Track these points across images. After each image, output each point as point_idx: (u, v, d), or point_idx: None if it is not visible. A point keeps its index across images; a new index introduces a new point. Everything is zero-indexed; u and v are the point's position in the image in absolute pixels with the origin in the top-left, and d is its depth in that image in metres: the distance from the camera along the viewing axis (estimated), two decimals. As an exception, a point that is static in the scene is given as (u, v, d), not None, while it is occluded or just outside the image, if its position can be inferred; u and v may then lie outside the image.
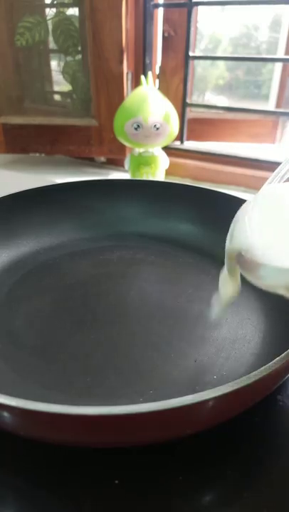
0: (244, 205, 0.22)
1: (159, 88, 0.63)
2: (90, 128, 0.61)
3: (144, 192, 0.43)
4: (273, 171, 0.48)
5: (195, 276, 0.35)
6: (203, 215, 0.40)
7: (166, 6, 0.58)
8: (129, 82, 0.58)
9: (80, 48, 0.59)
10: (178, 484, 0.21)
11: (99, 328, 0.29)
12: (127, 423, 0.16)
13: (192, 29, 0.56)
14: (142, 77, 0.51)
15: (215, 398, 0.17)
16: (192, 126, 0.64)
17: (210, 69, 1.08)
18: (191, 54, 0.58)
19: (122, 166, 0.57)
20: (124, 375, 0.25)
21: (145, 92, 0.50)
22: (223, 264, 0.24)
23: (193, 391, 0.19)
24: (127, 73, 0.57)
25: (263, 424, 0.24)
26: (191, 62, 0.59)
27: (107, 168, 0.69)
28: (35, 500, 0.20)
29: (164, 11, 0.59)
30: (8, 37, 0.58)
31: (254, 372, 0.18)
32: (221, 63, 1.08)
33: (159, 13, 0.59)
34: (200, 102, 0.77)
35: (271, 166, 0.58)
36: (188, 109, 0.62)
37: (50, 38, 0.60)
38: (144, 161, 0.53)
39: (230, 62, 1.08)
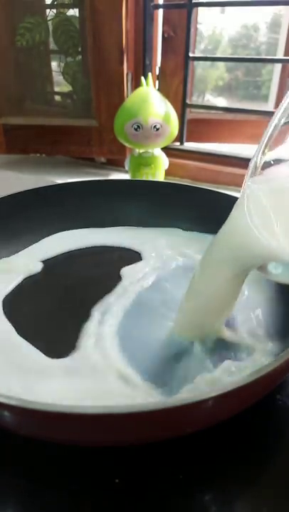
0: (240, 211, 0.22)
1: (159, 89, 0.63)
2: (90, 128, 0.61)
3: (144, 192, 0.43)
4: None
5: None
6: (203, 215, 0.40)
7: (166, 6, 0.58)
8: (129, 83, 0.59)
9: (80, 49, 0.59)
10: (178, 483, 0.21)
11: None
12: (128, 422, 0.17)
13: (192, 30, 0.56)
14: (142, 77, 0.51)
15: (215, 397, 0.17)
16: (192, 127, 0.64)
17: (210, 70, 1.08)
18: (190, 55, 0.58)
19: (122, 166, 0.57)
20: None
21: (145, 92, 0.50)
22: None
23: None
24: (127, 74, 0.57)
25: (263, 423, 0.24)
26: (190, 63, 0.59)
27: (107, 168, 0.69)
28: (35, 499, 0.20)
29: (164, 11, 0.59)
30: (9, 37, 0.58)
31: (254, 372, 0.18)
32: (221, 64, 1.08)
33: (159, 14, 0.59)
34: (200, 102, 0.77)
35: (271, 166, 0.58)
36: (188, 110, 0.62)
37: (51, 39, 0.60)
38: (144, 162, 0.53)
39: (229, 63, 1.08)
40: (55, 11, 0.59)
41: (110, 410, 0.16)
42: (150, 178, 0.54)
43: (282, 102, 0.21)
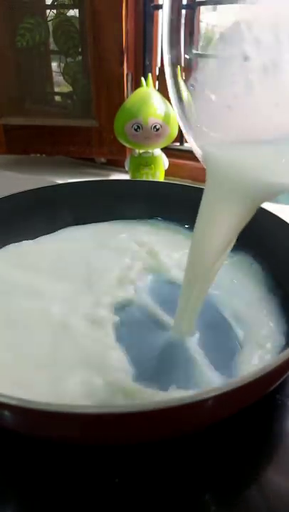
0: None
1: (159, 89, 0.63)
2: (90, 129, 0.61)
3: (144, 192, 0.43)
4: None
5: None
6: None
7: (166, 7, 0.58)
8: (130, 84, 0.59)
9: (80, 49, 0.59)
10: (178, 482, 0.21)
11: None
12: (128, 422, 0.17)
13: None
14: (142, 78, 0.51)
15: (214, 397, 0.17)
16: (192, 128, 0.64)
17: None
18: (190, 55, 0.58)
19: (123, 166, 0.57)
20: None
21: (145, 93, 0.50)
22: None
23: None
24: (127, 74, 0.57)
25: (262, 422, 0.24)
26: (190, 63, 0.59)
27: (107, 169, 0.69)
28: (34, 499, 0.20)
29: (164, 12, 0.59)
30: (9, 38, 0.58)
31: (253, 371, 0.18)
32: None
33: (159, 14, 0.59)
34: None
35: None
36: (188, 110, 0.62)
37: (51, 39, 0.60)
38: (144, 162, 0.53)
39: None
40: (55, 11, 0.59)
41: (110, 410, 0.16)
42: (150, 179, 0.54)
43: None
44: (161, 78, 0.63)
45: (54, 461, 0.22)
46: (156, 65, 0.62)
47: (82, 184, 0.43)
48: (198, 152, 0.21)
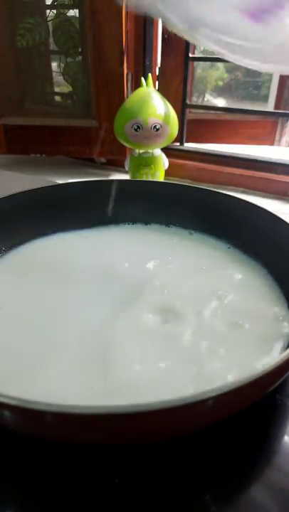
0: None
1: (159, 89, 0.63)
2: (90, 129, 0.61)
3: (144, 193, 0.43)
4: (272, 171, 0.49)
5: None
6: (203, 215, 0.41)
7: (166, 7, 0.58)
8: (130, 84, 0.59)
9: (80, 49, 0.60)
10: (178, 483, 0.21)
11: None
12: (128, 422, 0.17)
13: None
14: (142, 78, 0.51)
15: (214, 397, 0.17)
16: (191, 128, 0.64)
17: (209, 70, 1.09)
18: (190, 55, 0.58)
19: (123, 166, 0.58)
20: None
21: (145, 93, 0.50)
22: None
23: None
24: (127, 74, 0.58)
25: (262, 423, 0.24)
26: (190, 63, 0.59)
27: (107, 169, 0.69)
28: (34, 499, 0.20)
29: (164, 12, 0.59)
30: (9, 38, 0.58)
31: (253, 371, 0.18)
32: (221, 65, 1.08)
33: (159, 14, 0.59)
34: (199, 103, 0.77)
35: (270, 166, 0.58)
36: (187, 111, 0.62)
37: (51, 39, 0.60)
38: (144, 162, 0.53)
39: (229, 64, 1.09)
40: (55, 11, 0.59)
41: (110, 410, 0.16)
42: (150, 179, 0.54)
43: None
44: (161, 78, 0.63)
45: (54, 461, 0.22)
46: (156, 65, 0.62)
47: (82, 184, 0.43)
48: None
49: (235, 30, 0.20)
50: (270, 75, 0.84)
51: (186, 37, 0.23)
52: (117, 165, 0.68)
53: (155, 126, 0.49)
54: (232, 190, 0.60)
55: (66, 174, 0.65)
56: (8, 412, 0.17)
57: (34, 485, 0.21)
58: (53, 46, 0.61)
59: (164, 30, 0.59)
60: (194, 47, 0.63)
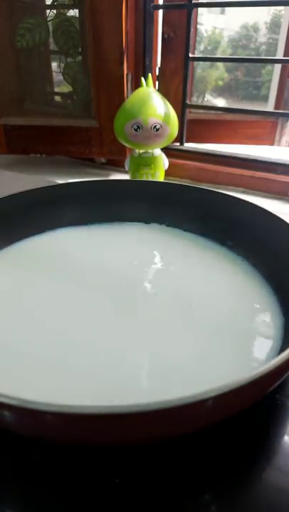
0: None
1: (159, 89, 0.63)
2: (90, 129, 0.61)
3: (144, 192, 0.43)
4: (272, 171, 0.50)
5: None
6: (202, 215, 0.41)
7: (166, 7, 0.59)
8: (130, 84, 0.59)
9: (80, 49, 0.60)
10: (177, 483, 0.21)
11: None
12: (128, 422, 0.17)
13: (192, 31, 0.56)
14: (142, 78, 0.51)
15: (214, 397, 0.17)
16: (191, 128, 0.64)
17: (209, 70, 1.09)
18: (190, 55, 0.58)
19: (122, 166, 0.58)
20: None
21: (145, 93, 0.50)
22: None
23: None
24: (127, 74, 0.58)
25: (261, 423, 0.24)
26: (190, 63, 0.59)
27: (107, 169, 0.69)
28: (34, 500, 0.20)
29: (164, 12, 0.59)
30: (9, 38, 0.58)
31: (254, 371, 0.18)
32: (221, 64, 1.08)
33: (159, 14, 0.59)
34: (199, 103, 0.77)
35: (270, 166, 0.58)
36: (187, 111, 0.62)
37: (51, 40, 0.60)
38: (144, 162, 0.53)
39: (229, 64, 1.09)
40: (55, 11, 0.59)
41: (110, 410, 0.16)
42: (150, 179, 0.54)
43: None
44: (161, 78, 0.63)
45: (53, 462, 0.22)
46: (156, 65, 0.62)
47: (82, 184, 0.43)
48: None
49: None
50: (270, 75, 0.84)
51: None
52: (117, 165, 0.68)
53: (155, 126, 0.49)
54: (232, 190, 0.60)
55: (66, 174, 0.65)
56: (8, 412, 0.17)
57: (34, 486, 0.21)
58: (53, 46, 0.61)
59: (164, 30, 0.59)
60: (194, 47, 0.63)
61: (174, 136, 0.52)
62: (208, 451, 0.22)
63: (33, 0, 0.59)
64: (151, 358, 0.26)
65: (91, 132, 0.61)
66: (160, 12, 0.59)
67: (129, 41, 0.57)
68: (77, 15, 0.58)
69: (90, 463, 0.22)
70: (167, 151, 0.56)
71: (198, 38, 0.67)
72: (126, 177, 0.60)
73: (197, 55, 0.65)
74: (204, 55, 0.68)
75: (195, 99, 0.84)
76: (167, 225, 0.43)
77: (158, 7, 0.58)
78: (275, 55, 0.74)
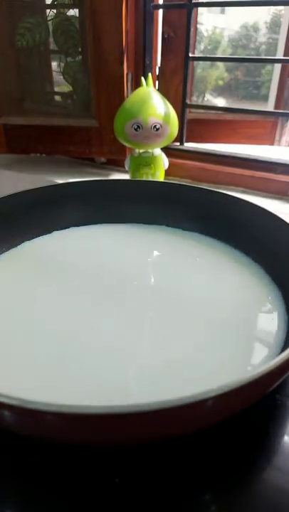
0: None
1: (159, 89, 0.63)
2: (90, 129, 0.61)
3: (143, 192, 0.43)
4: (272, 171, 0.50)
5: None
6: (202, 214, 0.41)
7: (166, 7, 0.58)
8: (130, 83, 0.59)
9: (80, 49, 0.59)
10: (178, 483, 0.21)
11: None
12: (129, 422, 0.17)
13: (192, 30, 0.56)
14: (142, 78, 0.51)
15: (214, 397, 0.17)
16: (191, 127, 0.64)
17: (209, 70, 1.09)
18: (190, 55, 0.58)
19: (122, 166, 0.58)
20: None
21: (145, 93, 0.50)
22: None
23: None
24: (127, 74, 0.57)
25: (262, 423, 0.24)
26: (190, 63, 0.59)
27: (107, 168, 0.69)
28: (33, 500, 0.20)
29: (164, 12, 0.59)
30: (9, 37, 0.58)
31: (254, 371, 0.18)
32: (221, 64, 1.08)
33: (159, 14, 0.59)
34: (199, 102, 0.77)
35: (270, 166, 0.58)
36: (187, 110, 0.62)
37: (51, 39, 0.60)
38: (143, 162, 0.53)
39: (229, 64, 1.09)
40: (55, 11, 0.59)
41: (110, 410, 0.16)
42: (150, 178, 0.54)
43: None
44: (161, 78, 0.63)
45: (53, 462, 0.22)
46: (156, 65, 0.62)
47: (82, 184, 0.43)
48: None
49: None
50: (270, 75, 0.84)
51: None
52: (117, 165, 0.68)
53: (155, 125, 0.49)
54: (232, 190, 0.60)
55: (66, 174, 0.65)
56: (8, 412, 0.17)
57: (34, 486, 0.21)
58: (52, 46, 0.61)
59: (164, 30, 0.59)
60: (194, 47, 0.63)
61: (174, 136, 0.52)
62: (208, 451, 0.22)
63: (33, -1, 0.59)
64: (153, 357, 0.26)
65: (91, 132, 0.61)
66: (160, 12, 0.59)
67: (129, 41, 0.57)
68: (77, 14, 0.58)
69: (90, 463, 0.22)
70: (167, 150, 0.56)
71: (198, 38, 0.67)
72: (126, 177, 0.60)
73: (197, 54, 0.65)
74: (204, 55, 0.67)
75: (195, 99, 0.84)
76: (167, 225, 0.43)
77: (158, 7, 0.58)
78: (275, 55, 0.74)
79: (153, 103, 0.50)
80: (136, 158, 0.54)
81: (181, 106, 0.60)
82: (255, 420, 0.24)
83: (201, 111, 0.70)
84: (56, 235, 0.41)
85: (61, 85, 0.64)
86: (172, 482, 0.21)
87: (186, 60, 0.58)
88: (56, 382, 0.24)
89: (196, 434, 0.21)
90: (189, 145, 0.64)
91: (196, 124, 0.67)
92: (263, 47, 1.13)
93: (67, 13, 0.59)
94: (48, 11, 0.59)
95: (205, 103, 1.02)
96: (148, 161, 0.53)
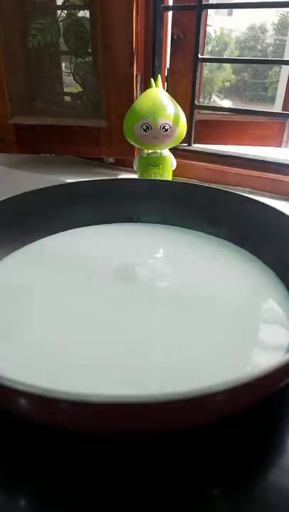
0: None
1: (168, 90, 0.63)
2: (99, 129, 0.61)
3: (153, 191, 0.44)
4: (280, 172, 0.50)
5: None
6: (209, 213, 0.41)
7: (175, 8, 0.59)
8: (139, 84, 0.59)
9: (90, 50, 0.60)
10: (188, 476, 0.21)
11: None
12: (144, 413, 0.17)
13: (201, 32, 0.57)
14: (152, 79, 0.52)
15: (225, 391, 0.17)
16: (198, 128, 0.65)
17: (216, 71, 1.09)
18: (200, 56, 0.58)
19: (131, 166, 0.58)
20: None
21: (154, 93, 0.51)
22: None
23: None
24: (137, 75, 0.58)
25: (272, 418, 0.24)
26: (199, 64, 0.60)
27: (115, 168, 0.69)
28: (47, 488, 0.21)
29: (174, 13, 0.59)
30: (20, 38, 0.59)
31: (264, 367, 0.18)
32: (227, 66, 1.08)
33: (169, 15, 0.60)
34: (206, 104, 0.78)
35: (278, 167, 0.58)
36: (195, 111, 0.62)
37: (61, 40, 0.61)
38: (152, 162, 0.54)
39: (236, 65, 1.09)
40: (66, 12, 0.59)
41: (123, 400, 0.16)
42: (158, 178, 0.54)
43: None
44: (170, 79, 0.63)
45: (69, 451, 0.22)
46: (165, 66, 0.63)
47: (92, 183, 0.44)
48: None
49: None
50: (278, 76, 0.84)
51: None
52: (126, 165, 0.68)
53: (164, 126, 0.50)
54: (239, 191, 0.60)
55: (75, 173, 0.65)
56: (29, 400, 0.17)
57: (46, 474, 0.21)
58: (63, 46, 0.62)
59: (174, 31, 0.60)
60: (203, 48, 0.63)
61: (182, 137, 0.53)
62: (217, 447, 0.23)
63: (44, 0, 0.60)
64: (167, 352, 0.26)
65: (100, 132, 0.62)
66: (170, 13, 0.59)
67: (139, 42, 0.58)
68: (88, 16, 0.59)
69: (105, 451, 0.22)
70: (175, 151, 0.56)
71: (206, 39, 0.67)
72: (134, 177, 0.61)
73: (205, 56, 0.65)
74: (212, 56, 0.68)
75: (201, 101, 0.84)
76: (174, 224, 0.43)
77: (168, 8, 0.58)
78: (282, 56, 0.74)
79: (162, 104, 0.50)
80: (144, 158, 0.54)
81: (189, 107, 0.61)
82: (266, 415, 0.24)
83: (209, 112, 0.70)
84: (69, 234, 0.42)
85: (71, 86, 0.65)
86: (184, 476, 0.21)
87: (196, 62, 0.58)
88: (71, 375, 0.24)
89: (206, 430, 0.22)
90: (197, 146, 0.64)
91: (203, 125, 0.67)
92: (271, 48, 1.13)
93: (78, 15, 0.59)
94: (58, 12, 0.60)
95: (211, 104, 1.02)
96: (156, 162, 0.54)
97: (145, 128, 0.50)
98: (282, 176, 0.58)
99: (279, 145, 0.68)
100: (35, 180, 0.62)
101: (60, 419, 0.19)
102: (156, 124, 0.49)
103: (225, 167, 0.62)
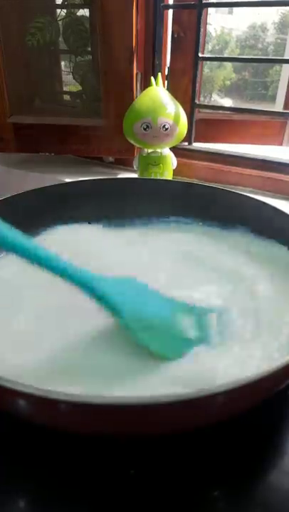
0: None
1: (168, 89, 0.63)
2: (99, 128, 0.61)
3: (152, 191, 0.43)
4: (280, 172, 0.50)
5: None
6: (210, 212, 0.41)
7: (176, 7, 0.59)
8: (139, 83, 0.59)
9: (90, 49, 0.60)
10: (189, 478, 0.21)
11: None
12: (146, 414, 0.17)
13: (202, 30, 0.57)
14: (152, 77, 0.52)
15: (225, 392, 0.17)
16: (199, 127, 0.64)
17: (216, 70, 1.09)
18: (200, 55, 0.58)
19: (131, 166, 0.58)
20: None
21: (154, 92, 0.51)
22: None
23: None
24: (137, 74, 0.58)
25: (272, 420, 0.24)
26: (200, 63, 0.60)
27: (115, 168, 0.69)
28: (48, 490, 0.21)
29: (174, 12, 0.59)
30: (20, 37, 0.59)
31: (265, 368, 0.18)
32: (228, 64, 1.08)
33: (169, 14, 0.59)
34: (206, 102, 0.77)
35: (278, 167, 0.58)
36: (196, 110, 0.62)
37: (61, 39, 0.61)
38: (152, 161, 0.53)
39: (237, 64, 1.09)
40: (65, 10, 0.59)
41: (123, 401, 0.16)
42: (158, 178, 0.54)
43: None
44: (170, 78, 0.63)
45: (69, 452, 0.22)
46: (165, 65, 0.63)
47: (91, 182, 0.44)
48: None
49: None
50: (278, 75, 0.83)
51: None
52: (125, 164, 0.68)
53: (164, 125, 0.50)
54: (240, 190, 0.60)
55: (75, 173, 0.65)
56: (29, 402, 0.17)
57: (46, 475, 0.21)
58: (62, 45, 0.61)
59: (174, 30, 0.60)
60: (204, 46, 0.63)
61: (182, 136, 0.52)
62: (218, 448, 0.23)
63: (43, -1, 0.60)
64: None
65: (100, 131, 0.61)
66: (170, 12, 0.59)
67: (139, 40, 0.58)
68: (88, 14, 0.59)
69: (105, 453, 0.22)
70: (175, 150, 0.56)
71: (206, 38, 0.67)
72: (134, 176, 0.61)
73: (205, 54, 0.65)
74: (212, 55, 0.68)
75: (202, 99, 0.84)
76: (175, 221, 0.43)
77: (168, 7, 0.58)
78: (283, 55, 0.74)
79: (162, 103, 0.50)
80: (144, 157, 0.54)
81: (190, 106, 0.60)
82: (266, 417, 0.24)
83: (210, 111, 0.70)
84: (69, 232, 0.41)
85: (70, 85, 0.65)
86: (184, 477, 0.21)
87: (196, 60, 0.58)
88: (66, 375, 0.24)
89: (208, 431, 0.21)
90: (198, 145, 0.64)
91: (204, 124, 0.67)
92: (271, 47, 1.13)
93: (78, 13, 0.59)
94: (58, 10, 0.59)
95: (212, 103, 1.01)
96: (157, 161, 0.53)
97: (145, 127, 0.50)
98: (283, 175, 0.58)
99: (280, 144, 0.68)
100: (34, 180, 0.62)
101: (60, 421, 0.19)
102: (157, 123, 0.49)
103: (225, 166, 0.62)
